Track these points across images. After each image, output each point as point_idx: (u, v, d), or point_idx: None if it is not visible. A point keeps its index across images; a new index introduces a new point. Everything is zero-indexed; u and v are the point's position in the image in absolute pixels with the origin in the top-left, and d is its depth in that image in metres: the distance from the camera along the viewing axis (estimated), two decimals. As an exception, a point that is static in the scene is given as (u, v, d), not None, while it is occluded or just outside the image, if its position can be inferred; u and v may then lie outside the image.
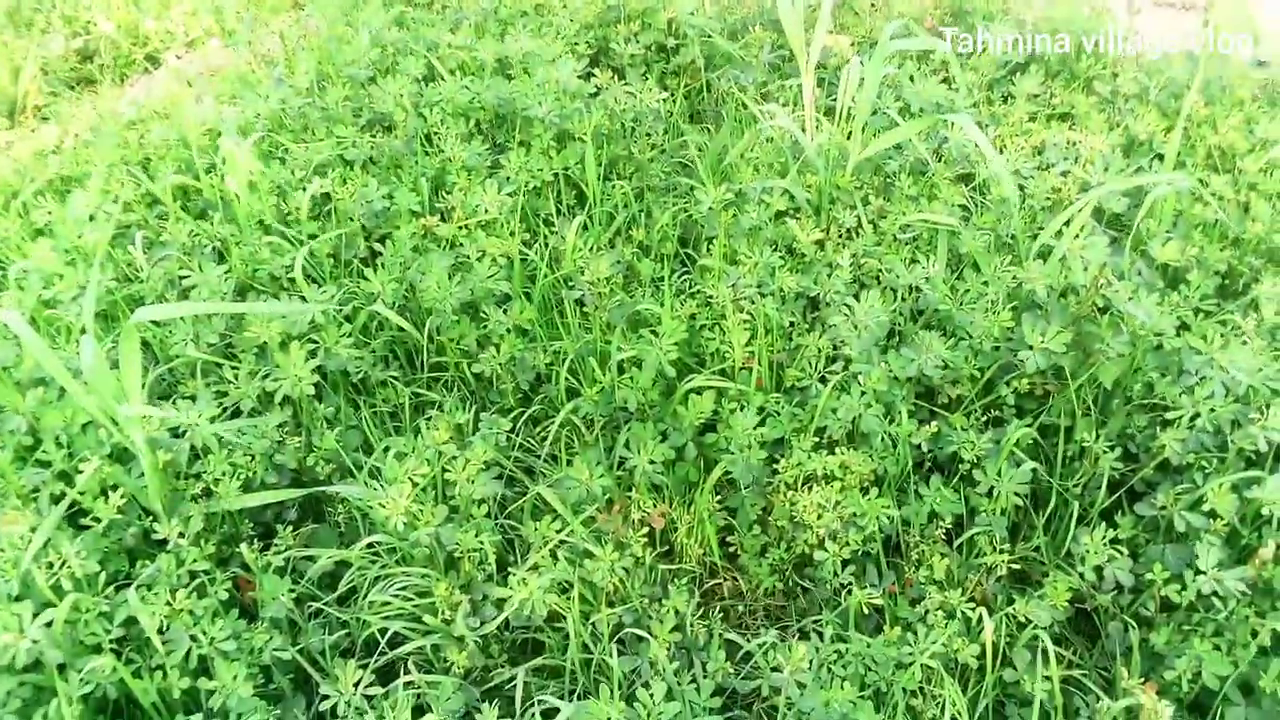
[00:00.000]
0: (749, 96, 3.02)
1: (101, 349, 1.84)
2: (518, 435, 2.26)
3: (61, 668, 1.67)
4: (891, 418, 2.01)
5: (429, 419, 2.25)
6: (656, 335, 2.14)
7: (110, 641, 1.69)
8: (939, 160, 2.57)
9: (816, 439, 2.03)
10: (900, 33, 2.57)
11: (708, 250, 2.51)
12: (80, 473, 1.90)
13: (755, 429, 1.99)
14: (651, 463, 2.01)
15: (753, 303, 2.21)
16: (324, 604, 1.96)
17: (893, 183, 2.53)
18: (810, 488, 1.97)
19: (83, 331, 2.24)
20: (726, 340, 2.18)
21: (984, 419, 2.10)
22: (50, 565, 1.71)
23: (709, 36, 3.27)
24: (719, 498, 2.08)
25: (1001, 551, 1.89)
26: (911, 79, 2.77)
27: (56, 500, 1.85)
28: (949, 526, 1.96)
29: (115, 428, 1.90)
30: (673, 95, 3.12)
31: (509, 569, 1.95)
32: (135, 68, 4.09)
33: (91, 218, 2.57)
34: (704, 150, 2.85)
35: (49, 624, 1.64)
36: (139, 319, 1.79)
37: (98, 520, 1.86)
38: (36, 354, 1.79)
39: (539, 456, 2.26)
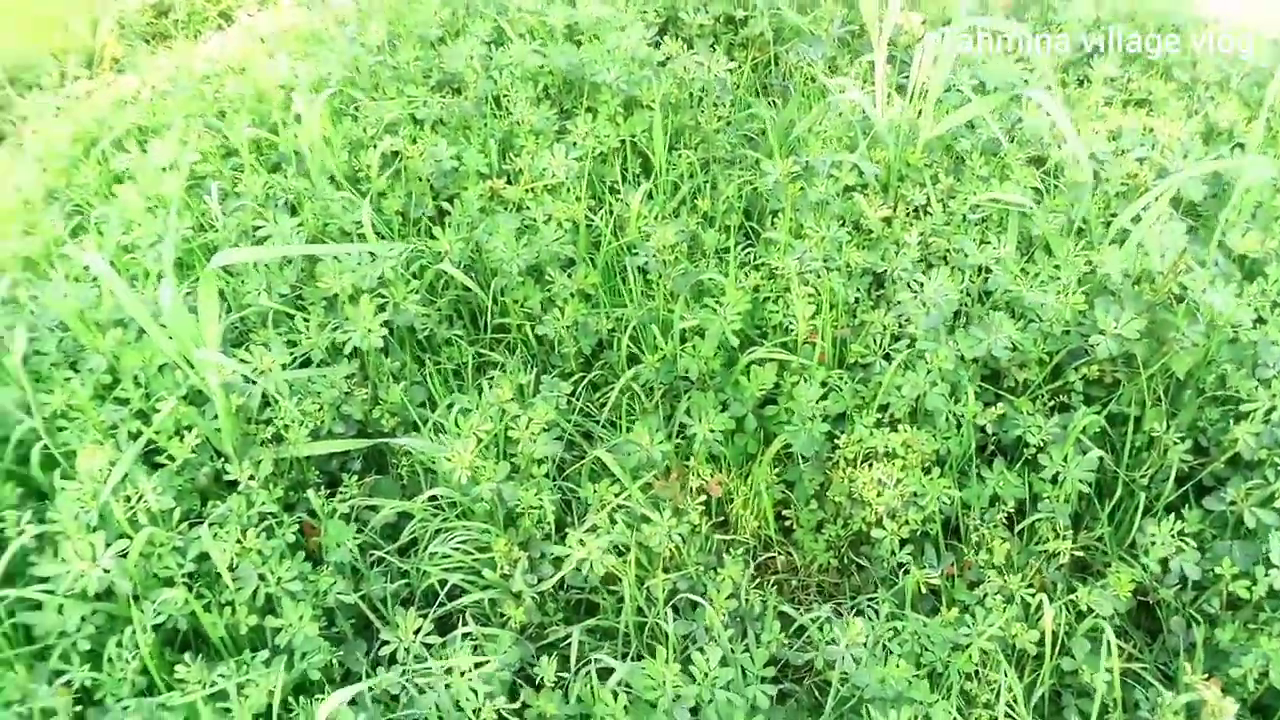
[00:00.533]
0: (818, 70, 2.99)
1: (178, 294, 1.88)
2: (578, 399, 2.28)
3: (133, 599, 1.73)
4: (956, 398, 2.00)
5: (491, 378, 2.27)
6: (720, 305, 2.14)
7: (182, 576, 1.74)
8: (1011, 141, 2.53)
9: (879, 416, 2.03)
10: (976, 11, 2.53)
11: (772, 223, 2.50)
12: (157, 412, 1.95)
13: (818, 402, 1.98)
14: (712, 432, 2.01)
15: (818, 277, 2.20)
16: (385, 553, 2.00)
17: (963, 161, 2.50)
18: (870, 465, 1.97)
19: (160, 276, 2.30)
20: (790, 313, 2.17)
21: (1050, 404, 2.07)
22: (127, 499, 1.77)
23: (778, 9, 3.24)
24: (777, 470, 2.09)
25: (1064, 539, 1.87)
26: (984, 61, 2.73)
27: (134, 437, 1.90)
28: (1010, 511, 1.94)
29: (191, 370, 1.95)
30: (740, 67, 3.10)
31: (566, 529, 1.98)
32: (209, 24, 4.14)
33: (167, 168, 2.62)
34: (771, 123, 2.83)
35: (123, 555, 1.70)
36: (219, 263, 1.83)
37: (172, 459, 1.91)
38: (119, 296, 1.84)
39: (597, 421, 2.28)
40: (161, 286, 1.89)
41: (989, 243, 2.21)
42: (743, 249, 2.50)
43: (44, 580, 1.72)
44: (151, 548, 1.74)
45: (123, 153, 2.80)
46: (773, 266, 2.27)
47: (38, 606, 1.73)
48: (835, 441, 2.03)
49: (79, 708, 1.61)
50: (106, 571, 1.65)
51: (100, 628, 1.70)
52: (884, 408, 2.04)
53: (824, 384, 2.06)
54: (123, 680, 1.61)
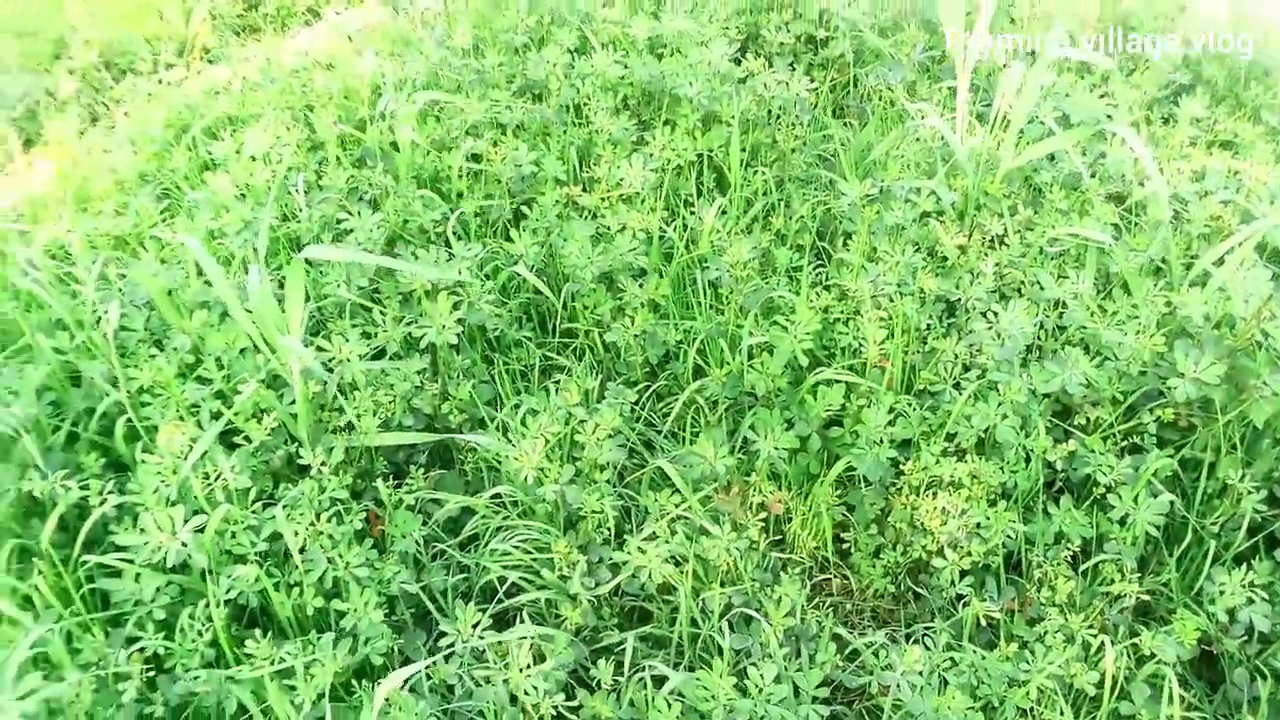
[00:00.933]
0: (897, 94, 2.99)
1: (265, 281, 1.94)
2: (641, 408, 2.30)
3: (205, 574, 1.79)
4: (1027, 432, 1.98)
5: (557, 382, 2.31)
6: (791, 324, 2.15)
7: (254, 554, 1.79)
8: (1093, 176, 2.50)
9: (945, 444, 2.02)
10: (1063, 41, 2.52)
11: (844, 245, 2.51)
12: (236, 394, 2.01)
13: (886, 427, 1.98)
14: (776, 449, 2.02)
15: (891, 301, 2.19)
16: (447, 546, 2.03)
17: (1043, 194, 2.48)
18: (934, 493, 1.96)
19: (245, 262, 2.37)
20: (860, 336, 2.17)
21: (1122, 445, 2.05)
22: (206, 476, 1.83)
23: (859, 32, 3.25)
24: (838, 493, 2.09)
25: (1129, 581, 1.84)
26: (1067, 94, 2.71)
27: (215, 417, 1.96)
28: (1075, 550, 1.92)
29: (272, 355, 2.00)
30: (818, 87, 3.11)
31: (624, 536, 2.00)
32: (296, 19, 4.26)
33: (255, 158, 2.69)
34: (848, 144, 2.83)
35: (200, 530, 1.75)
36: (307, 256, 1.89)
37: (248, 440, 1.97)
38: (212, 279, 1.90)
39: (659, 431, 2.30)
40: (250, 273, 1.95)
41: (1066, 277, 2.19)
42: (814, 268, 2.50)
43: (122, 549, 1.79)
44: (226, 525, 1.80)
45: (214, 141, 2.88)
46: (844, 288, 2.27)
47: (115, 574, 1.79)
48: (899, 467, 2.02)
49: (151, 674, 1.66)
50: (184, 545, 1.70)
51: (174, 599, 1.76)
52: (951, 436, 2.03)
53: (892, 409, 2.05)
54: (193, 651, 1.67)
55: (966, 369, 2.10)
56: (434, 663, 1.68)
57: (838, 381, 2.12)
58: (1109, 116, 2.64)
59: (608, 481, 2.04)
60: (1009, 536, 1.90)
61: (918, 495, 1.99)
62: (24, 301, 2.35)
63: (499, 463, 2.13)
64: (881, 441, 1.97)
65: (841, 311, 2.27)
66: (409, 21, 3.48)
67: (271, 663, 1.63)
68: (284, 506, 1.81)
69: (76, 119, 3.51)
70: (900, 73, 3.12)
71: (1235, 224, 2.30)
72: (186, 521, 1.74)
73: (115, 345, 2.07)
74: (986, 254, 2.31)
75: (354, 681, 1.71)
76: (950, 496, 1.92)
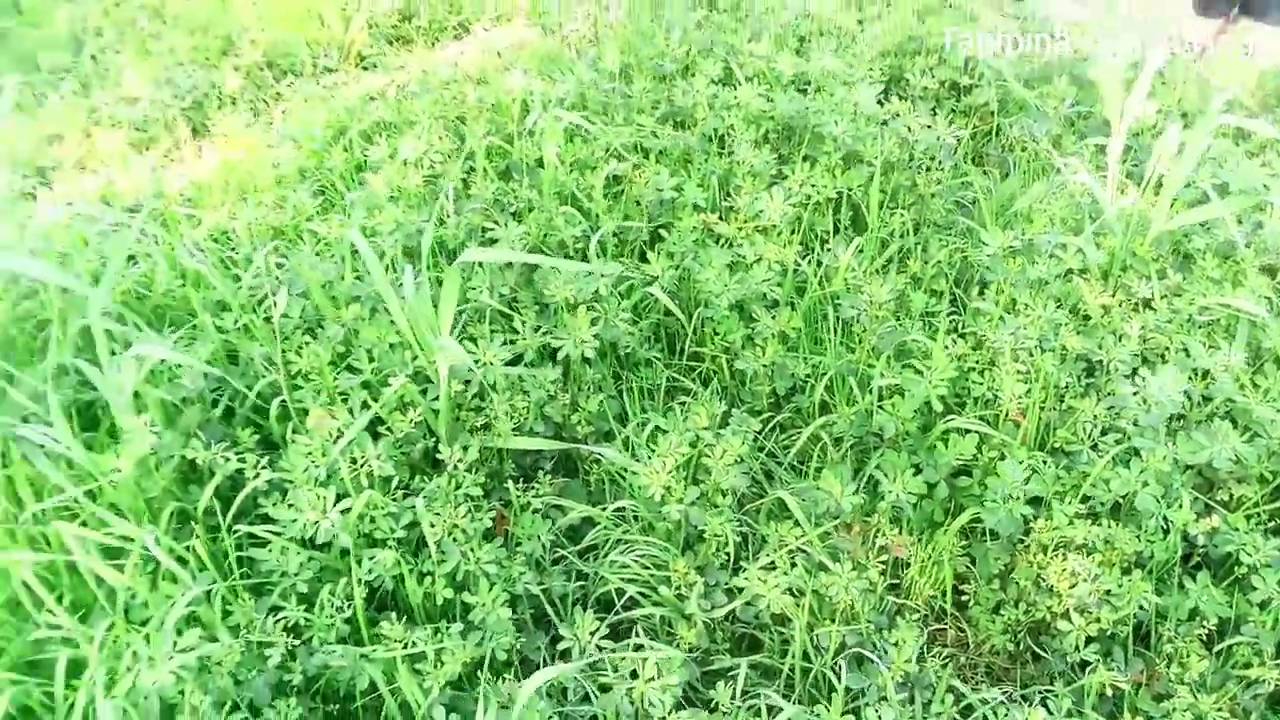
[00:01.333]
0: (1040, 147, 2.96)
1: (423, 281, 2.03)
2: (765, 438, 2.32)
3: (343, 554, 1.88)
4: (1168, 502, 1.94)
5: (682, 403, 2.34)
6: (927, 369, 2.14)
7: (393, 540, 1.86)
8: (1248, 246, 2.43)
9: (1080, 506, 1.98)
10: (1227, 108, 2.46)
11: (980, 294, 2.49)
12: (384, 385, 2.10)
13: (1024, 483, 1.96)
14: (905, 493, 2.01)
15: (1030, 355, 2.17)
16: (568, 553, 2.08)
17: (1194, 261, 2.42)
18: (1064, 555, 1.93)
19: (396, 261, 2.48)
20: (994, 387, 2.16)
21: (1268, 525, 1.98)
22: (353, 461, 1.92)
23: (1005, 81, 3.22)
24: (964, 544, 2.07)
25: (1267, 667, 1.78)
26: (1225, 161, 2.64)
27: (365, 407, 2.05)
28: (1210, 628, 1.86)
29: (420, 352, 2.09)
30: (961, 134, 3.09)
31: (740, 563, 2.02)
32: (447, 33, 4.43)
33: (408, 163, 2.82)
34: (989, 193, 2.81)
35: (345, 512, 1.84)
36: (466, 259, 1.97)
37: (391, 431, 2.06)
38: (373, 274, 2.00)
39: (779, 463, 2.31)
40: (406, 272, 2.05)
41: (1216, 348, 2.14)
42: (950, 315, 2.49)
43: (270, 521, 1.88)
44: (368, 510, 1.88)
45: (369, 144, 3.03)
46: (981, 336, 2.25)
47: (260, 545, 1.89)
48: (1029, 524, 1.99)
49: (291, 643, 1.74)
50: (333, 524, 1.78)
51: (315, 575, 1.84)
52: (1086, 499, 2.00)
53: (1028, 465, 2.03)
54: (331, 626, 1.74)
55: (1105, 431, 2.06)
56: (571, 667, 1.72)
57: (971, 431, 2.10)
58: (1266, 186, 2.57)
59: (729, 507, 2.06)
60: (1141, 607, 1.86)
61: (1046, 555, 1.96)
62: (190, 281, 2.50)
63: (623, 476, 2.18)
64: (1017, 497, 1.94)
65: (976, 361, 2.25)
66: (558, 43, 3.59)
67: (404, 646, 1.70)
68: (424, 498, 1.89)
69: (240, 113, 3.72)
70: (1046, 126, 3.09)
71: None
72: (336, 503, 1.82)
73: (287, 329, 2.19)
74: (1131, 316, 2.27)
75: (475, 674, 1.77)
76: (1082, 560, 1.88)
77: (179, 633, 1.61)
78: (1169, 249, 2.47)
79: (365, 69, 4.15)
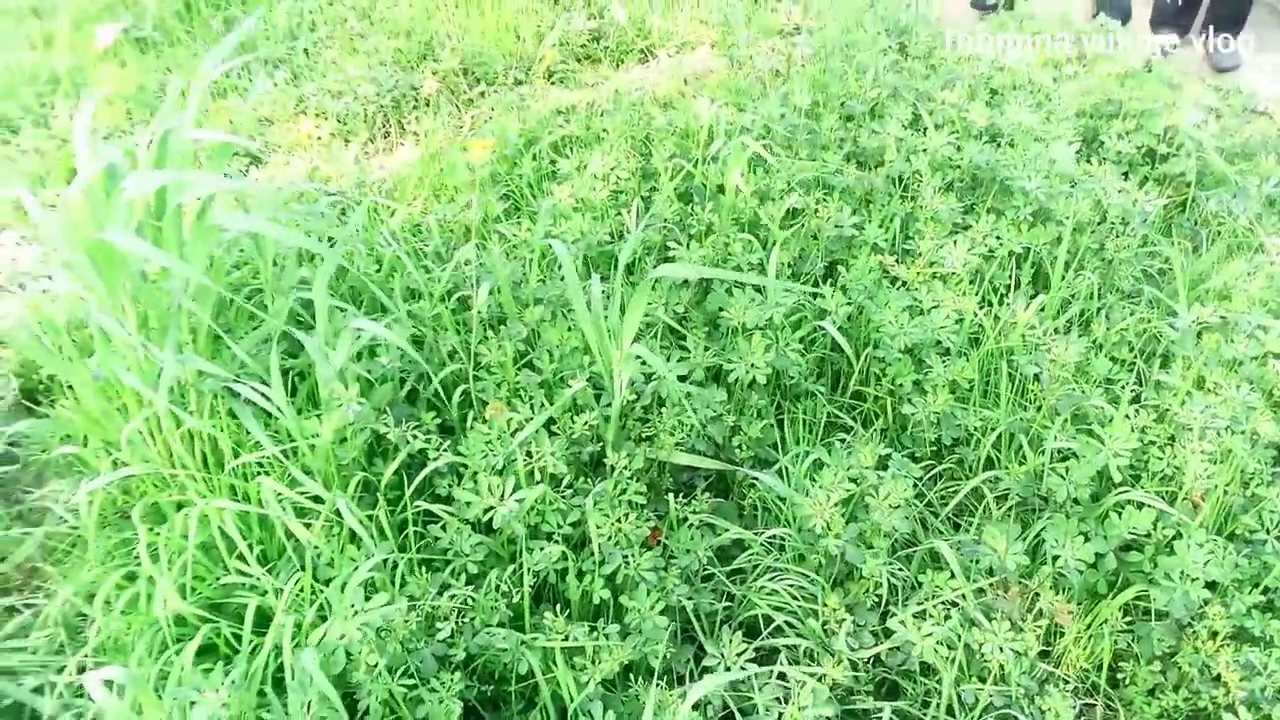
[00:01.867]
0: (1237, 224, 2.84)
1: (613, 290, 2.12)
2: (925, 487, 2.30)
3: (509, 542, 1.96)
4: (1361, 606, 1.83)
5: (842, 440, 2.35)
6: (1108, 436, 2.09)
7: (560, 535, 1.94)
8: None
9: (1260, 597, 1.89)
10: None
11: (1164, 368, 2.41)
12: (561, 385, 2.19)
13: (1205, 565, 1.88)
14: (1075, 559, 1.96)
15: (1219, 436, 2.09)
16: (717, 572, 2.12)
17: None
18: (1237, 646, 1.85)
19: (587, 270, 2.58)
20: (1176, 464, 2.08)
21: None
22: (529, 455, 2.00)
23: (1204, 153, 3.11)
24: (1127, 620, 2.00)
25: None
26: None
27: (543, 405, 2.15)
28: (1397, 744, 1.75)
29: (600, 359, 2.17)
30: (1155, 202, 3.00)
31: (889, 607, 2.01)
32: (632, 56, 4.58)
33: (596, 176, 2.93)
34: (1183, 265, 2.72)
35: (519, 501, 1.92)
36: (662, 272, 2.05)
37: (563, 431, 2.14)
38: (568, 279, 2.09)
39: (935, 514, 2.29)
40: (594, 280, 2.13)
41: None
42: (1130, 385, 2.42)
43: (447, 502, 1.99)
44: (540, 503, 1.96)
45: (558, 155, 3.16)
46: (1166, 410, 2.18)
47: (434, 521, 1.99)
48: (1201, 609, 1.91)
49: (459, 620, 1.83)
50: (509, 512, 1.87)
51: (484, 559, 1.93)
52: (1266, 590, 1.91)
53: (1207, 548, 1.95)
54: (495, 610, 1.83)
55: (1295, 524, 1.97)
56: (724, 678, 1.74)
57: (1147, 505, 2.04)
58: None
59: (885, 550, 2.05)
60: (1318, 711, 1.76)
61: (1216, 642, 1.88)
62: (386, 268, 2.66)
63: (778, 504, 2.20)
64: (1195, 578, 1.87)
65: (1158, 435, 2.18)
66: (746, 75, 3.66)
67: (564, 638, 1.76)
68: (592, 498, 1.96)
69: (437, 115, 3.94)
70: (1245, 202, 2.97)
71: None
72: (512, 492, 1.91)
73: (471, 322, 2.31)
74: (1333, 409, 2.16)
75: (627, 675, 1.82)
76: (1258, 652, 1.80)
77: (364, 596, 1.72)
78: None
79: (554, 84, 4.33)
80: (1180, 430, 2.15)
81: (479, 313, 2.34)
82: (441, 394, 2.28)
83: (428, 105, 4.07)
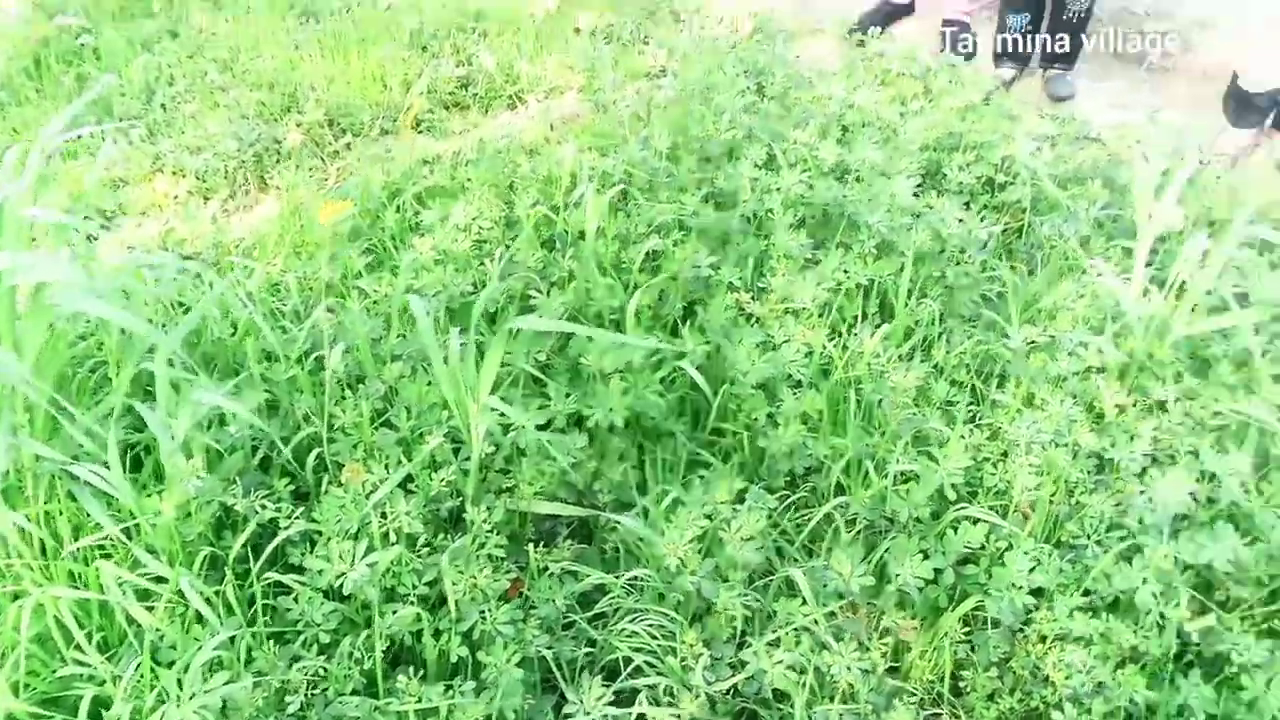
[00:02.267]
0: (1068, 246, 3.03)
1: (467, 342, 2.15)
2: (781, 516, 2.38)
3: (364, 607, 1.96)
4: (1166, 599, 1.97)
5: (701, 476, 2.42)
6: (942, 456, 2.20)
7: (415, 596, 1.95)
8: (1264, 355, 2.47)
9: (1081, 599, 2.02)
10: (1253, 220, 2.53)
11: (999, 387, 2.55)
12: (419, 443, 2.21)
13: (1027, 574, 2.00)
14: (914, 577, 2.06)
15: (1044, 450, 2.22)
16: (579, 619, 2.15)
17: (1210, 366, 2.47)
18: (1062, 646, 1.96)
19: (439, 322, 2.60)
20: (1006, 478, 2.21)
21: (1262, 627, 2.00)
22: (384, 516, 2.01)
23: (1039, 181, 3.31)
24: (966, 630, 2.11)
25: (1262, 774, 1.79)
26: (1249, 271, 2.69)
27: (399, 463, 2.16)
28: (1203, 728, 1.88)
29: (458, 413, 2.19)
30: (991, 229, 3.18)
31: (747, 638, 2.07)
32: (501, 102, 4.63)
33: (458, 227, 2.96)
34: (1017, 289, 2.89)
35: (372, 566, 1.93)
36: (519, 325, 2.09)
37: (421, 489, 2.16)
38: (423, 333, 2.11)
39: (792, 541, 2.37)
40: (453, 334, 2.16)
41: (1225, 452, 2.18)
42: (970, 406, 2.55)
43: (299, 571, 1.98)
44: (394, 565, 1.97)
45: (423, 207, 3.18)
46: (997, 428, 2.31)
47: (285, 593, 1.98)
48: (1030, 615, 2.03)
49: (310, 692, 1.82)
50: (360, 577, 1.87)
51: (336, 626, 1.93)
52: (1087, 593, 2.04)
53: (1034, 557, 2.07)
54: (349, 678, 1.82)
55: (1111, 528, 2.11)
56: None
57: (981, 520, 2.15)
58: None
59: (741, 582, 2.12)
60: (1133, 701, 1.89)
61: (1044, 645, 2.00)
62: (241, 331, 2.63)
63: (639, 545, 2.25)
64: (1020, 586, 1.99)
65: (991, 452, 2.31)
66: (610, 120, 3.75)
67: (418, 700, 1.77)
68: (449, 556, 1.97)
69: (299, 169, 3.91)
70: (1076, 226, 3.16)
71: None
72: (364, 556, 1.92)
73: (323, 384, 2.31)
74: (1145, 417, 2.32)
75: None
76: (1079, 651, 1.92)
77: (205, 676, 1.70)
78: (1187, 354, 2.52)
79: (422, 132, 4.35)
80: (1011, 446, 2.28)
81: (334, 372, 2.34)
82: (296, 459, 2.28)
83: (291, 158, 4.05)
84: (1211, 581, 2.08)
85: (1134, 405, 2.36)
